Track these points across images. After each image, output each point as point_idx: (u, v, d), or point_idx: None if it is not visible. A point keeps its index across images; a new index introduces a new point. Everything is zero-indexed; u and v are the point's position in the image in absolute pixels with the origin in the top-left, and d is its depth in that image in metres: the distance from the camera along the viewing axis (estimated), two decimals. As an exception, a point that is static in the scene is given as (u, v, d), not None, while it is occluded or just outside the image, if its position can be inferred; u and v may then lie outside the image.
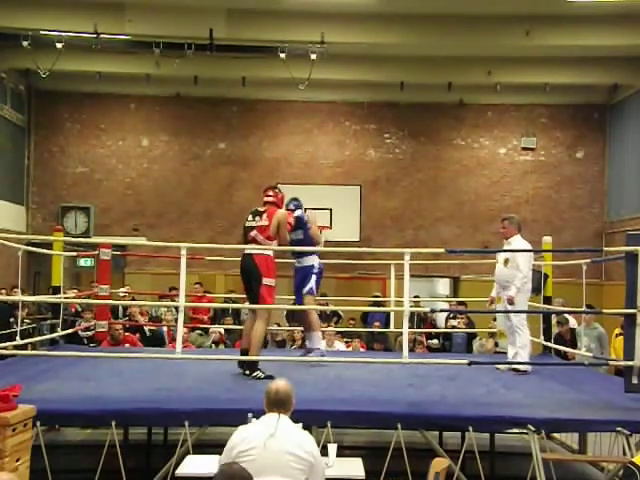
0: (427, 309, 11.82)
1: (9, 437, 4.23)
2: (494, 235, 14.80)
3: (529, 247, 7.35)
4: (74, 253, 10.51)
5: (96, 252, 9.37)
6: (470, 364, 6.55)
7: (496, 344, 10.40)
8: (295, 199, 7.78)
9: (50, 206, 15.21)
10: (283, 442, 3.64)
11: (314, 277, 7.57)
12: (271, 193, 6.82)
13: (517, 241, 7.36)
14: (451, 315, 11.86)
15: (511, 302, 7.01)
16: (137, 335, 9.80)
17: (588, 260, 7.44)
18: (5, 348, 6.70)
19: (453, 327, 11.37)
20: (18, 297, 7.42)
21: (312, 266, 7.58)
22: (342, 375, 6.83)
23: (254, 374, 6.38)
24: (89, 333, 9.66)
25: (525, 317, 7.27)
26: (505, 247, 7.40)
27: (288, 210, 7.31)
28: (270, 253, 6.53)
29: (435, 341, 11.42)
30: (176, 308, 7.65)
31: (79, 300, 9.66)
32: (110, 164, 15.42)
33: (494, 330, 9.85)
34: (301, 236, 7.55)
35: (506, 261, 7.24)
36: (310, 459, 3.65)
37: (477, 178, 15.48)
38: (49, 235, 9.71)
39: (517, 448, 7.21)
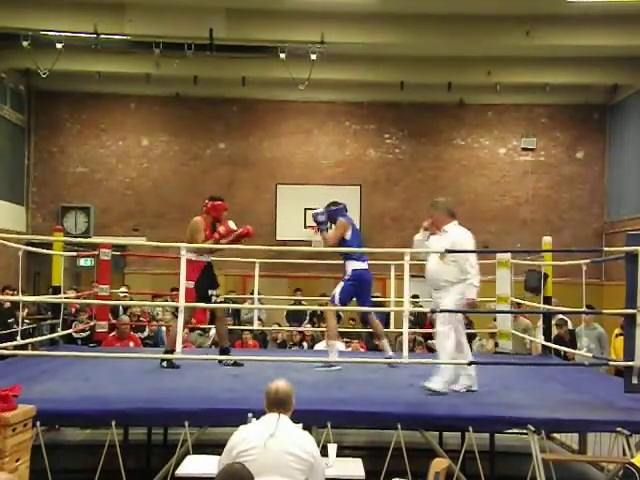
0: (427, 309, 11.81)
1: (9, 437, 4.23)
2: (494, 235, 14.86)
3: (470, 236, 6.24)
4: (74, 253, 10.51)
5: (96, 252, 9.38)
6: (470, 364, 6.55)
7: (496, 344, 10.41)
8: (332, 203, 7.80)
9: (50, 206, 15.21)
10: (283, 442, 3.64)
11: (342, 285, 7.54)
12: (205, 202, 7.35)
13: (455, 230, 6.17)
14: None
15: (473, 306, 6.11)
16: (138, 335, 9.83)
17: (588, 260, 7.43)
18: (5, 348, 6.70)
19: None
20: (18, 297, 7.40)
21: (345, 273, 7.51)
22: (342, 375, 6.84)
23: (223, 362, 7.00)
24: (83, 334, 9.65)
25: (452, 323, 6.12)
26: (443, 239, 6.21)
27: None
28: (191, 257, 6.81)
29: (435, 341, 11.40)
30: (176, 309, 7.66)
31: (79, 300, 9.66)
32: (110, 164, 15.42)
33: (494, 330, 9.85)
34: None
35: (442, 255, 6.06)
36: (310, 459, 3.65)
37: (477, 178, 15.48)
38: (49, 235, 9.71)
39: (517, 448, 7.21)
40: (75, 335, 9.61)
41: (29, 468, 4.53)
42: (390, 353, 7.55)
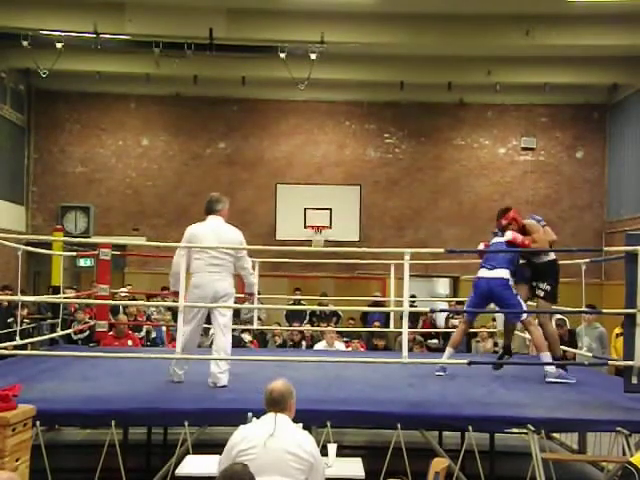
0: (427, 309, 11.85)
1: (9, 437, 4.23)
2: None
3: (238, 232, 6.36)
4: (74, 253, 10.51)
5: (96, 252, 9.38)
6: (470, 364, 6.55)
7: (495, 344, 10.43)
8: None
9: (50, 206, 15.21)
10: (283, 441, 3.64)
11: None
12: None
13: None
14: (451, 315, 11.86)
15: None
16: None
17: (587, 260, 7.44)
18: (5, 348, 6.70)
19: (455, 327, 11.36)
20: (17, 297, 7.40)
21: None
22: (342, 375, 6.83)
23: None
24: (81, 336, 9.65)
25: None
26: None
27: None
28: None
29: (435, 341, 11.42)
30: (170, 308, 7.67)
31: (79, 300, 9.66)
32: (110, 164, 15.42)
33: (494, 330, 9.86)
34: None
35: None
36: (310, 459, 3.65)
37: (477, 178, 15.49)
38: (49, 235, 9.71)
39: (517, 448, 7.21)
40: (74, 337, 9.61)
41: (29, 468, 4.53)
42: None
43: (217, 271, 6.13)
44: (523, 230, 7.09)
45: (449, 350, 7.12)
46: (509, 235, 7.01)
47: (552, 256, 7.04)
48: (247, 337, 10.41)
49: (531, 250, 6.98)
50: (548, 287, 6.94)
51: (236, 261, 6.23)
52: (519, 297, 6.84)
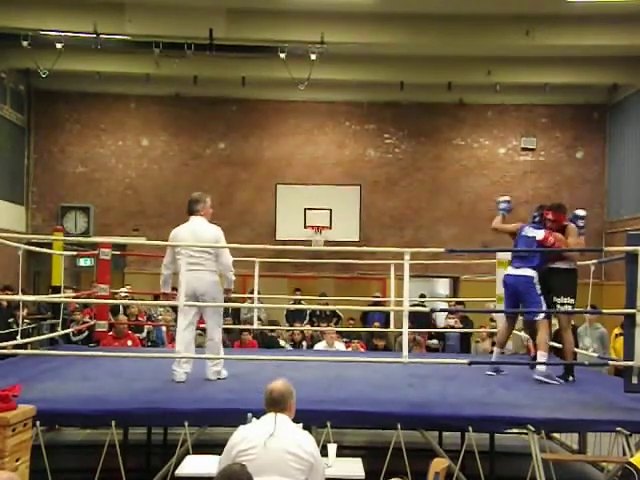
0: (427, 309, 11.83)
1: (9, 437, 4.23)
2: (494, 235, 14.82)
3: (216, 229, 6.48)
4: (74, 252, 10.51)
5: (96, 252, 9.38)
6: (470, 364, 6.55)
7: (493, 344, 10.42)
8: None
9: (50, 206, 15.21)
10: (283, 441, 3.64)
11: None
12: None
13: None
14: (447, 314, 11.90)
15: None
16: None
17: (595, 261, 7.40)
18: (5, 348, 6.70)
19: (451, 327, 11.38)
20: (18, 297, 7.40)
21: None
22: (342, 375, 6.83)
23: None
24: (80, 337, 9.65)
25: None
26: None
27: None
28: None
29: (435, 341, 11.43)
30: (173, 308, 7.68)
31: (79, 300, 9.66)
32: (110, 164, 15.42)
33: (494, 330, 9.85)
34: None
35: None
36: (310, 459, 3.65)
37: (477, 178, 15.49)
38: (49, 235, 9.71)
39: (517, 448, 7.21)
40: (73, 338, 9.61)
41: (29, 468, 4.53)
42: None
43: (196, 269, 6.30)
44: (563, 230, 6.94)
45: (496, 350, 7.17)
46: (540, 234, 6.89)
47: (572, 265, 6.90)
48: (283, 342, 10.45)
49: (550, 250, 6.80)
50: (572, 300, 6.76)
51: (215, 258, 6.35)
52: (542, 297, 6.78)
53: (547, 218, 7.02)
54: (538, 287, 6.78)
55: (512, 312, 7.18)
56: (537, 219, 7.15)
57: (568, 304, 6.74)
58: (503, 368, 7.06)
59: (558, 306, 6.74)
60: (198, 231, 6.41)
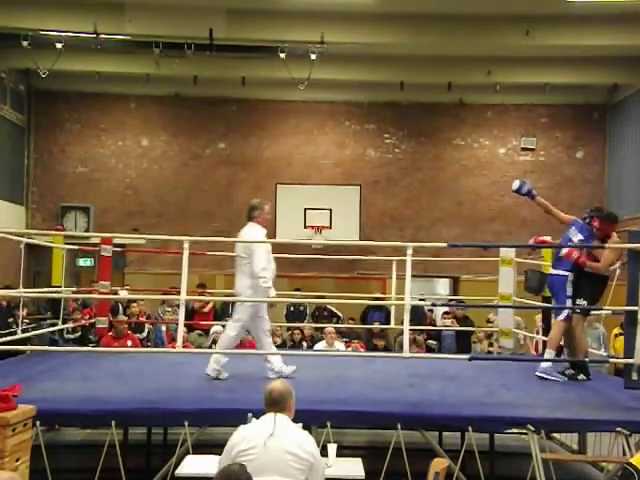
0: (428, 303, 11.83)
1: (9, 437, 4.23)
2: (494, 235, 14.87)
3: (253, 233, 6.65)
4: (75, 247, 10.51)
5: (97, 248, 9.37)
6: (471, 359, 6.56)
7: (490, 344, 10.43)
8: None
9: (50, 206, 15.20)
10: (283, 441, 3.64)
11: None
12: None
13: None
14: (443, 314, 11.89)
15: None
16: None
17: (618, 263, 7.29)
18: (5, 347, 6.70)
19: (446, 326, 11.37)
20: (17, 291, 7.40)
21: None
22: (342, 375, 6.84)
23: None
24: (72, 336, 9.64)
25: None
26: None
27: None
28: None
29: (432, 342, 11.41)
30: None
31: (81, 295, 9.66)
32: (110, 164, 15.41)
33: (495, 329, 9.85)
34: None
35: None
36: (310, 459, 3.65)
37: (477, 178, 15.48)
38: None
39: (517, 448, 7.22)
40: (66, 336, 9.60)
41: (29, 468, 4.53)
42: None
43: (236, 272, 6.68)
44: (605, 239, 6.76)
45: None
46: (564, 250, 6.82)
47: (604, 272, 6.76)
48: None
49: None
50: (584, 302, 6.72)
51: (250, 262, 6.49)
52: (570, 299, 6.75)
53: (593, 225, 6.87)
54: (570, 289, 6.75)
55: (507, 307, 7.18)
56: (587, 220, 6.97)
57: (579, 305, 6.73)
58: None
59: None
60: (241, 236, 6.76)
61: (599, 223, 6.81)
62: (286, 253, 11.34)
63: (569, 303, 6.74)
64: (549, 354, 6.82)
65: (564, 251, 6.84)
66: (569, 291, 6.74)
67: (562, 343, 7.15)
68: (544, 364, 6.80)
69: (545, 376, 6.73)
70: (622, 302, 5.94)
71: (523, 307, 7.05)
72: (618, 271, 7.06)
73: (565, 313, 6.78)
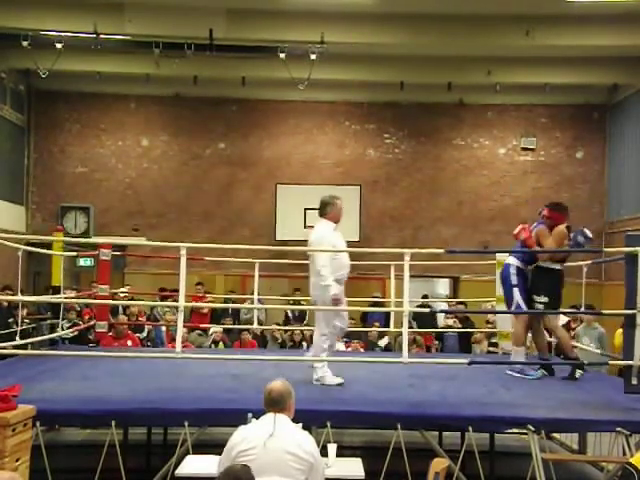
0: (426, 310, 11.84)
1: (9, 437, 4.23)
2: (494, 235, 14.86)
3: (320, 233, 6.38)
4: (74, 253, 10.51)
5: (96, 252, 9.38)
6: (470, 364, 6.55)
7: (490, 344, 10.43)
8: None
9: (50, 206, 15.20)
10: (283, 442, 3.64)
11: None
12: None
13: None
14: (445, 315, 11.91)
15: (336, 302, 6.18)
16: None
17: (589, 262, 7.42)
18: (5, 348, 6.70)
19: (449, 326, 11.37)
20: (17, 297, 7.40)
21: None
22: (342, 375, 6.83)
23: None
24: (65, 334, 9.62)
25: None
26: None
27: None
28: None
29: (435, 342, 11.42)
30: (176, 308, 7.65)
31: (79, 300, 9.66)
32: (110, 164, 15.41)
33: (495, 330, 9.85)
34: None
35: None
36: (310, 459, 3.65)
37: (477, 178, 15.48)
38: (49, 235, 9.71)
39: (517, 448, 7.22)
40: (63, 336, 9.59)
41: (29, 468, 4.53)
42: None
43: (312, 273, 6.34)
44: (554, 227, 7.02)
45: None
46: (516, 230, 7.15)
47: (557, 266, 6.96)
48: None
49: (540, 251, 6.97)
50: (546, 299, 6.86)
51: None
52: (516, 289, 6.93)
53: (542, 214, 7.14)
54: (515, 278, 6.96)
55: (515, 313, 7.18)
56: (540, 214, 7.26)
57: (541, 302, 6.88)
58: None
59: (535, 304, 6.91)
60: (312, 233, 6.45)
61: (548, 212, 7.13)
62: (284, 253, 11.40)
63: (515, 293, 6.91)
64: (516, 352, 6.97)
65: (515, 231, 7.14)
66: (514, 280, 6.95)
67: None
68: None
69: (515, 374, 6.87)
70: (621, 304, 5.92)
71: (519, 313, 7.03)
72: (585, 269, 7.12)
73: (515, 304, 6.94)
